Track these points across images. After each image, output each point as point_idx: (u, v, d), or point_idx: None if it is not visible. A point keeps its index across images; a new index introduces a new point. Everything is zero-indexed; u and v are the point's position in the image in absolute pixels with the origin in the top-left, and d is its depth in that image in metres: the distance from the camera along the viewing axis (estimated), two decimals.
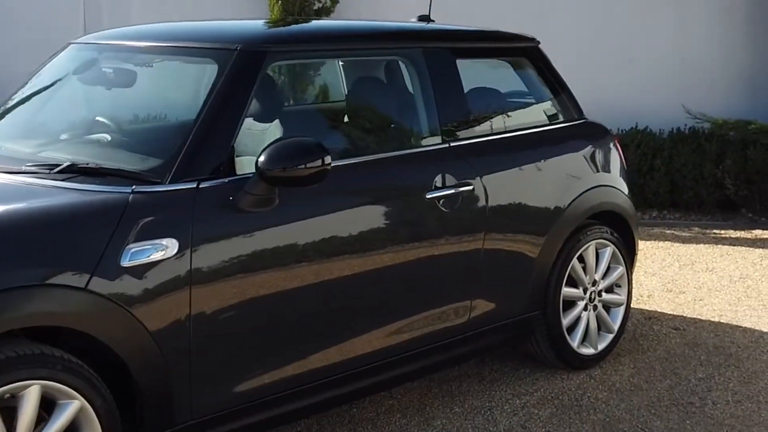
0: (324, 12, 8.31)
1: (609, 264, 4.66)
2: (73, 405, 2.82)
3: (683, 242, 7.16)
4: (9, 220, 2.84)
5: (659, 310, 5.51)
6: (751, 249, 6.91)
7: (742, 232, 7.50)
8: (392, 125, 4.07)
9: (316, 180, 3.25)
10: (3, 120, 3.88)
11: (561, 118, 4.69)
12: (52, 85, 3.98)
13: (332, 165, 3.45)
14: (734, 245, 7.04)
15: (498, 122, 4.41)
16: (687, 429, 3.97)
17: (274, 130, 3.93)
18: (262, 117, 3.98)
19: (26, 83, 4.01)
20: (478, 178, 4.00)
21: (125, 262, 2.92)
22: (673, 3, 8.61)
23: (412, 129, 4.02)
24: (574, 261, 4.46)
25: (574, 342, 4.50)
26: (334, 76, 5.04)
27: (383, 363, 3.73)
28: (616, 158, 4.82)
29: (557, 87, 4.71)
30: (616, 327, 4.71)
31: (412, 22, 4.58)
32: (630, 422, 4.03)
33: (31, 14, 9.12)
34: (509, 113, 4.54)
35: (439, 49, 4.11)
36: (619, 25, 8.65)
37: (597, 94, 8.40)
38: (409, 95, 4.06)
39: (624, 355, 4.78)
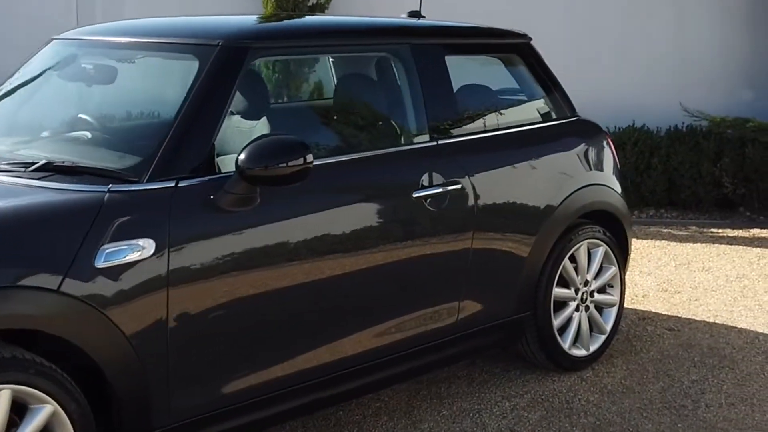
0: (318, 8, 8.23)
1: (601, 264, 4.59)
2: (45, 409, 2.75)
3: (680, 241, 7.08)
4: None
5: (654, 311, 5.44)
6: (748, 248, 6.84)
7: (740, 230, 7.42)
8: (379, 123, 4.00)
9: (297, 179, 3.18)
10: None
11: (553, 116, 4.62)
12: (32, 81, 3.91)
13: (317, 163, 3.41)
14: (731, 244, 6.97)
15: (488, 120, 4.33)
16: None
17: (261, 127, 3.86)
18: (250, 114, 3.92)
19: (7, 80, 3.94)
20: (467, 176, 3.93)
21: (100, 263, 2.85)
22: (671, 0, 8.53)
23: (399, 126, 3.95)
24: (566, 261, 4.39)
25: (566, 343, 4.43)
26: (325, 73, 4.98)
27: (369, 365, 3.66)
28: (609, 156, 4.75)
29: (549, 84, 4.63)
30: (608, 328, 4.63)
31: (401, 18, 4.50)
32: (621, 425, 3.96)
33: (24, 10, 9.06)
34: (500, 111, 4.46)
35: (427, 45, 4.04)
36: (616, 21, 8.57)
37: (594, 91, 8.34)
38: (396, 92, 3.98)
39: (617, 357, 4.70)
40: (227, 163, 3.25)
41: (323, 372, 3.52)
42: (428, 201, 3.75)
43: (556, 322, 4.39)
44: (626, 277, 5.94)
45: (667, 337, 4.99)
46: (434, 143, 3.91)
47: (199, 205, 3.11)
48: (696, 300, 5.63)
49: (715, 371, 4.52)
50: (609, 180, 4.68)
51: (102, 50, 3.85)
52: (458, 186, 3.87)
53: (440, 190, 3.80)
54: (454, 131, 4.03)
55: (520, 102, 4.64)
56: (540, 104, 4.62)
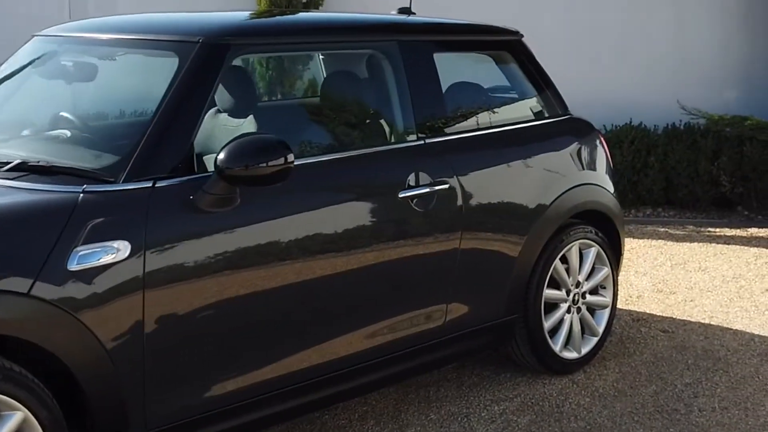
0: (312, 5, 8.15)
1: (594, 265, 4.51)
2: (15, 416, 2.68)
3: (677, 241, 7.00)
4: None
5: (648, 312, 5.36)
6: (745, 248, 6.76)
7: (738, 230, 7.34)
8: (364, 121, 3.93)
9: (278, 179, 3.11)
10: None
11: (544, 114, 4.54)
12: (12, 79, 3.83)
13: (300, 163, 3.35)
14: (729, 244, 6.88)
15: (478, 118, 4.26)
16: None
17: (248, 125, 3.80)
18: (237, 112, 3.85)
19: None
20: (455, 176, 3.86)
21: (73, 266, 2.77)
22: None
23: (385, 125, 3.87)
24: (557, 262, 4.31)
25: (557, 346, 4.36)
26: (315, 70, 4.90)
27: (353, 369, 3.59)
28: (601, 155, 4.67)
29: (541, 82, 4.55)
30: (600, 330, 4.55)
31: (389, 15, 4.42)
32: (611, 430, 3.88)
33: (16, 6, 8.98)
34: (490, 109, 4.38)
35: (415, 42, 3.96)
36: (614, 19, 8.48)
37: (591, 89, 8.27)
38: (383, 90, 3.90)
39: (609, 359, 4.63)
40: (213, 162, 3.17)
41: (307, 376, 3.45)
42: (414, 201, 3.68)
43: (547, 324, 4.31)
44: (621, 277, 5.88)
45: (661, 339, 4.91)
46: (421, 142, 3.84)
47: (177, 205, 3.04)
48: (691, 301, 5.55)
49: (708, 374, 4.45)
50: (601, 179, 4.60)
51: (83, 47, 3.78)
52: (446, 186, 3.80)
53: (427, 190, 3.73)
54: (443, 130, 3.95)
55: (511, 100, 4.56)
56: (531, 102, 4.54)
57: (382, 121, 3.89)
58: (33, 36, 3.96)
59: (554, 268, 4.31)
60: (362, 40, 3.92)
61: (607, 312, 4.59)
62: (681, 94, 7.97)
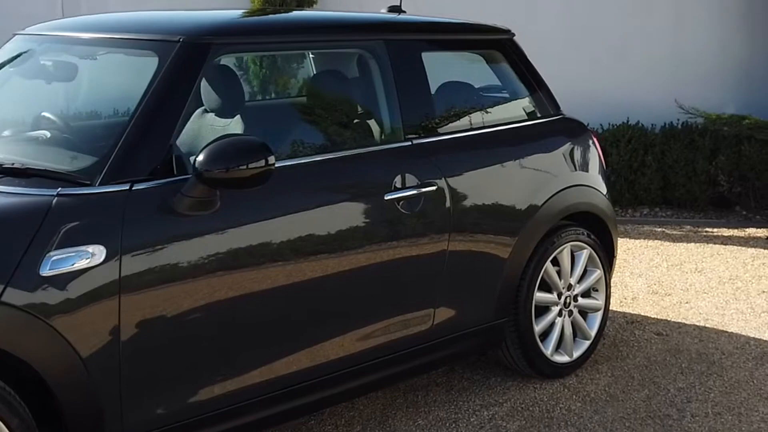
0: (306, 3, 8.07)
1: (586, 267, 4.44)
2: None
3: (673, 241, 6.93)
4: None
5: (643, 314, 5.29)
6: (743, 248, 6.68)
7: (735, 230, 7.27)
8: (350, 122, 3.85)
9: (258, 182, 3.04)
10: None
11: (536, 114, 4.46)
12: None
13: (283, 164, 3.30)
14: (726, 244, 6.81)
15: (468, 119, 4.19)
16: None
17: (235, 125, 3.73)
18: (224, 112, 3.77)
19: None
20: (443, 177, 3.78)
21: (45, 271, 2.71)
22: None
23: (372, 126, 3.80)
24: (548, 264, 4.24)
25: (548, 350, 4.29)
26: (304, 70, 4.83)
27: (339, 373, 3.52)
28: (594, 156, 4.59)
29: (533, 81, 4.48)
30: (593, 333, 4.48)
31: (377, 13, 4.34)
32: None
33: (8, 3, 8.90)
34: (481, 109, 4.31)
35: (403, 41, 3.89)
36: (612, 18, 8.40)
37: (587, 87, 8.21)
38: (369, 90, 3.83)
39: (602, 363, 4.56)
40: None
41: (291, 381, 3.38)
42: (401, 203, 3.61)
43: (538, 327, 4.25)
44: (616, 278, 5.84)
45: (655, 342, 4.84)
46: (408, 143, 3.77)
47: (155, 209, 2.97)
48: (687, 303, 5.48)
49: (702, 378, 4.38)
50: (594, 180, 4.52)
51: (63, 46, 3.72)
52: (433, 188, 3.73)
53: (414, 192, 3.66)
54: (431, 130, 3.88)
55: (503, 100, 4.49)
56: (523, 102, 4.46)
57: (369, 122, 3.82)
58: (14, 35, 3.90)
59: (545, 271, 4.24)
60: (348, 40, 3.84)
61: (599, 315, 4.52)
62: (679, 93, 7.89)
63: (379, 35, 3.82)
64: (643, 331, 5.00)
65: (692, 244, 6.84)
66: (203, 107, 3.80)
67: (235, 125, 3.72)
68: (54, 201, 2.81)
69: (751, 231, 7.22)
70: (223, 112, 3.76)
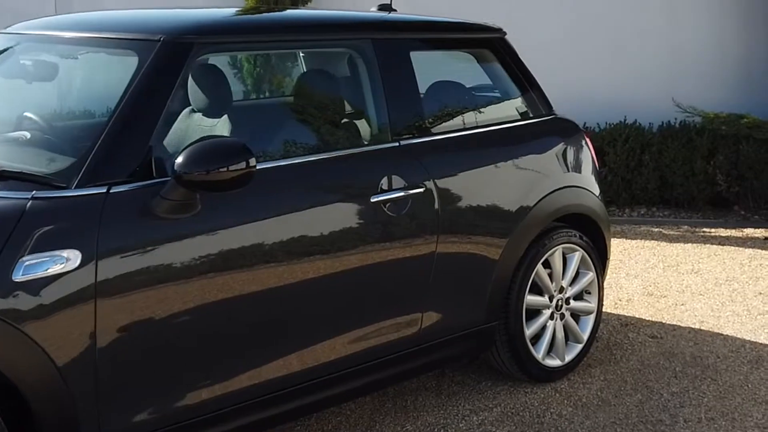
0: (301, 2, 8.01)
1: (578, 270, 4.37)
2: None
3: (670, 241, 6.86)
4: None
5: (637, 316, 5.22)
6: (740, 249, 6.61)
7: (733, 230, 7.19)
8: (337, 123, 3.78)
9: (239, 184, 2.98)
10: None
11: (528, 114, 4.39)
12: None
13: (267, 166, 3.25)
14: (723, 245, 6.74)
15: (458, 119, 4.13)
16: None
17: (222, 125, 3.67)
18: (211, 112, 3.71)
19: None
20: (431, 179, 3.72)
21: (18, 277, 2.65)
22: None
23: (359, 126, 3.74)
24: (539, 267, 4.17)
25: (539, 353, 4.22)
26: (298, 70, 4.75)
27: (324, 379, 3.45)
28: (586, 157, 4.52)
29: (524, 81, 4.40)
30: (585, 337, 4.42)
31: (365, 12, 4.28)
32: None
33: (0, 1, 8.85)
34: (471, 109, 4.25)
35: (391, 40, 3.82)
36: (608, 15, 8.32)
37: (583, 86, 8.14)
38: (356, 90, 3.77)
39: (595, 366, 4.49)
40: None
41: (275, 386, 3.32)
42: (387, 206, 3.54)
43: (529, 331, 4.18)
44: (611, 280, 5.78)
45: (649, 345, 4.77)
46: (396, 144, 3.70)
47: (133, 212, 2.91)
48: (682, 305, 5.41)
49: (696, 382, 4.31)
50: (586, 182, 4.45)
51: (44, 45, 3.65)
52: (421, 189, 3.66)
53: (401, 194, 3.59)
54: (419, 131, 3.81)
55: (494, 100, 4.43)
56: (514, 102, 4.39)
57: (355, 123, 3.76)
58: None
59: (536, 274, 4.17)
60: (334, 39, 3.78)
61: (592, 318, 4.46)
62: (676, 91, 7.82)
63: (367, 34, 3.76)
64: (638, 334, 4.94)
65: (689, 244, 6.77)
66: (190, 107, 3.74)
67: (222, 125, 3.66)
68: (28, 204, 2.75)
69: (749, 231, 7.15)
70: (211, 111, 3.70)
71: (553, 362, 4.29)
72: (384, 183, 3.55)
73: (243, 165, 2.96)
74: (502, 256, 4.00)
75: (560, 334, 4.31)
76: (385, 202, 3.53)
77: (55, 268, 2.71)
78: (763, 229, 7.16)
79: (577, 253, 4.33)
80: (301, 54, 4.54)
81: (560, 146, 4.39)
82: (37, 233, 2.70)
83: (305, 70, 4.56)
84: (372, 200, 3.50)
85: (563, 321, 4.32)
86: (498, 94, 4.45)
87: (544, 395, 4.18)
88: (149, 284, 2.90)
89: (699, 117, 7.71)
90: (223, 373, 3.16)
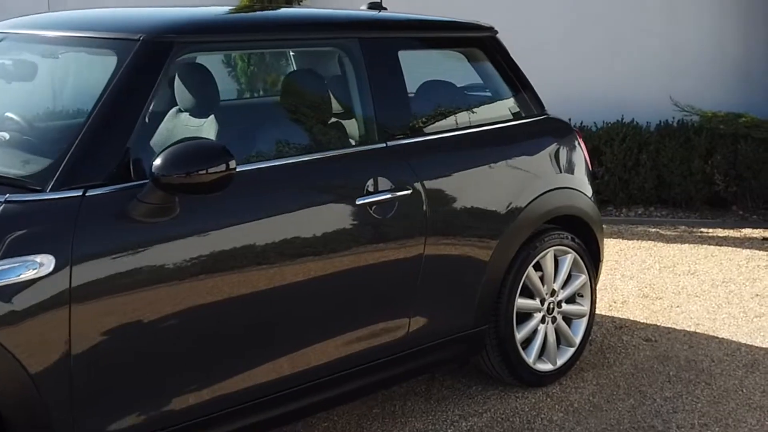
0: (295, 0, 7.93)
1: (570, 272, 4.30)
2: None
3: (667, 242, 6.79)
4: None
5: (632, 318, 5.15)
6: (738, 250, 6.54)
7: (731, 230, 7.12)
8: (323, 123, 3.71)
9: (218, 187, 2.91)
10: None
11: (520, 114, 4.32)
12: None
13: (249, 168, 3.19)
14: (721, 245, 6.67)
15: (448, 119, 4.06)
16: None
17: (209, 126, 3.60)
18: (198, 112, 3.65)
19: None
20: (419, 181, 3.65)
21: None
22: None
23: (345, 127, 3.67)
24: (530, 270, 4.10)
25: (530, 357, 4.15)
26: (286, 69, 4.69)
27: (308, 385, 3.38)
28: (579, 157, 4.45)
29: (516, 80, 4.33)
30: (577, 340, 4.35)
31: (352, 11, 4.20)
32: None
33: None
34: (461, 109, 4.17)
35: (378, 39, 3.75)
36: (606, 14, 8.24)
37: (582, 85, 8.07)
38: (343, 90, 3.70)
39: (587, 370, 4.42)
40: None
41: (260, 393, 3.25)
42: (373, 208, 3.47)
43: (520, 334, 4.11)
44: (606, 281, 5.72)
45: (643, 349, 4.70)
46: (383, 145, 3.63)
47: (110, 216, 2.84)
48: (678, 307, 5.34)
49: (690, 387, 4.24)
50: (579, 183, 4.38)
51: (24, 45, 3.58)
52: (408, 191, 3.59)
53: (387, 196, 3.52)
54: (407, 132, 3.74)
55: (484, 99, 4.35)
56: (505, 102, 4.32)
57: (342, 123, 3.69)
58: None
59: (527, 276, 4.10)
60: (320, 38, 3.71)
61: (584, 321, 4.39)
62: (674, 90, 7.75)
63: (353, 33, 3.69)
64: (632, 337, 4.87)
65: (686, 245, 6.70)
66: (177, 107, 3.68)
67: (209, 125, 3.59)
68: (1, 208, 2.68)
69: (747, 231, 7.08)
70: (197, 111, 3.64)
71: (545, 366, 4.22)
72: (370, 185, 3.48)
73: (223, 167, 2.89)
74: (492, 259, 3.93)
75: (552, 338, 4.24)
76: (371, 204, 3.46)
77: (28, 274, 2.64)
78: (761, 230, 7.09)
79: (569, 255, 4.26)
80: (292, 53, 4.48)
81: (552, 147, 4.32)
82: (8, 238, 2.63)
83: (295, 69, 4.50)
84: (358, 202, 3.43)
85: (555, 324, 4.26)
86: (489, 94, 4.38)
87: (535, 400, 4.11)
88: (126, 289, 2.84)
89: (697, 116, 7.63)
90: (202, 379, 3.10)
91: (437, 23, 4.23)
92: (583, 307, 4.38)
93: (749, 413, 3.98)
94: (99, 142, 2.90)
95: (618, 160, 7.68)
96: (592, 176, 4.56)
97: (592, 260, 4.42)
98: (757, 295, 5.53)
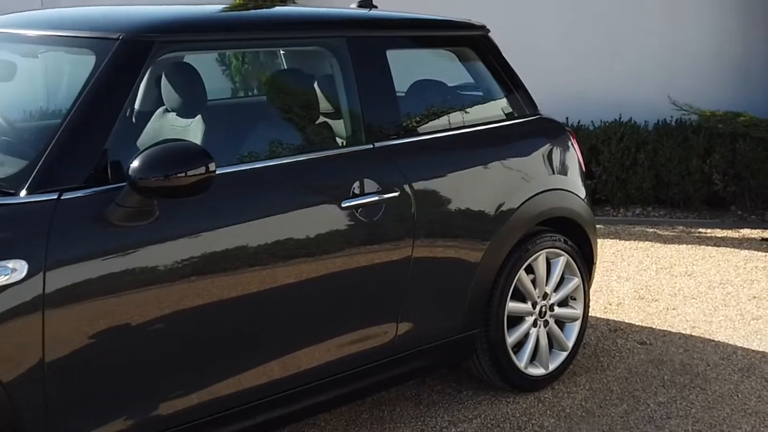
0: None
1: (563, 275, 4.23)
2: None
3: (665, 242, 6.71)
4: None
5: (627, 321, 5.08)
6: (736, 250, 6.46)
7: (729, 231, 7.04)
8: (308, 124, 3.64)
9: (198, 190, 2.84)
10: None
11: (511, 114, 4.25)
12: None
13: (232, 170, 3.12)
14: (719, 246, 6.59)
15: (438, 119, 3.99)
16: None
17: (196, 126, 3.54)
18: (185, 112, 3.59)
19: None
20: (407, 183, 3.57)
21: None
22: None
23: (332, 128, 3.60)
24: (521, 272, 4.03)
25: (522, 362, 4.08)
26: (274, 68, 4.62)
27: (292, 391, 3.31)
28: (572, 158, 4.37)
29: (508, 80, 4.26)
30: (570, 344, 4.28)
31: (342, 9, 4.13)
32: None
33: None
34: (452, 109, 4.10)
35: (366, 38, 3.67)
36: (604, 13, 8.15)
37: (580, 84, 8.00)
38: (330, 90, 3.63)
39: (580, 375, 4.35)
40: None
41: (243, 399, 3.18)
42: (359, 211, 3.40)
43: (511, 338, 4.04)
44: (602, 283, 5.65)
45: (638, 352, 4.63)
46: (370, 146, 3.56)
47: (86, 220, 2.77)
48: (674, 309, 5.27)
49: (684, 392, 4.17)
50: (572, 184, 4.30)
51: (4, 44, 3.51)
52: (396, 193, 3.52)
53: (374, 198, 3.45)
54: (395, 132, 3.67)
55: (476, 99, 4.28)
56: (497, 102, 4.25)
57: (329, 124, 3.62)
58: None
59: (519, 279, 4.03)
60: (306, 37, 3.64)
61: (577, 325, 4.32)
62: (672, 89, 7.66)
63: (340, 32, 3.61)
64: (626, 340, 4.79)
65: (684, 245, 6.62)
66: (164, 107, 3.62)
67: (196, 125, 3.53)
68: None
69: (746, 232, 7.00)
70: (184, 111, 3.58)
71: (537, 371, 4.15)
72: (356, 187, 3.41)
73: (202, 170, 2.82)
74: (483, 262, 3.86)
75: (544, 342, 4.17)
76: (357, 207, 3.39)
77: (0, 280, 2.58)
78: (759, 230, 7.01)
79: (562, 258, 4.19)
80: (282, 52, 4.42)
81: (545, 147, 4.25)
82: None
83: (283, 69, 4.43)
84: (343, 205, 3.36)
85: (547, 328, 4.18)
86: (481, 94, 4.30)
87: (526, 405, 4.04)
88: (102, 295, 2.77)
89: (695, 115, 7.55)
90: (180, 385, 3.03)
91: (427, 22, 4.15)
92: (576, 310, 4.31)
93: (744, 419, 3.91)
94: (75, 144, 2.83)
95: (616, 160, 7.60)
96: (589, 176, 4.48)
97: (586, 263, 4.35)
98: (755, 297, 5.46)
